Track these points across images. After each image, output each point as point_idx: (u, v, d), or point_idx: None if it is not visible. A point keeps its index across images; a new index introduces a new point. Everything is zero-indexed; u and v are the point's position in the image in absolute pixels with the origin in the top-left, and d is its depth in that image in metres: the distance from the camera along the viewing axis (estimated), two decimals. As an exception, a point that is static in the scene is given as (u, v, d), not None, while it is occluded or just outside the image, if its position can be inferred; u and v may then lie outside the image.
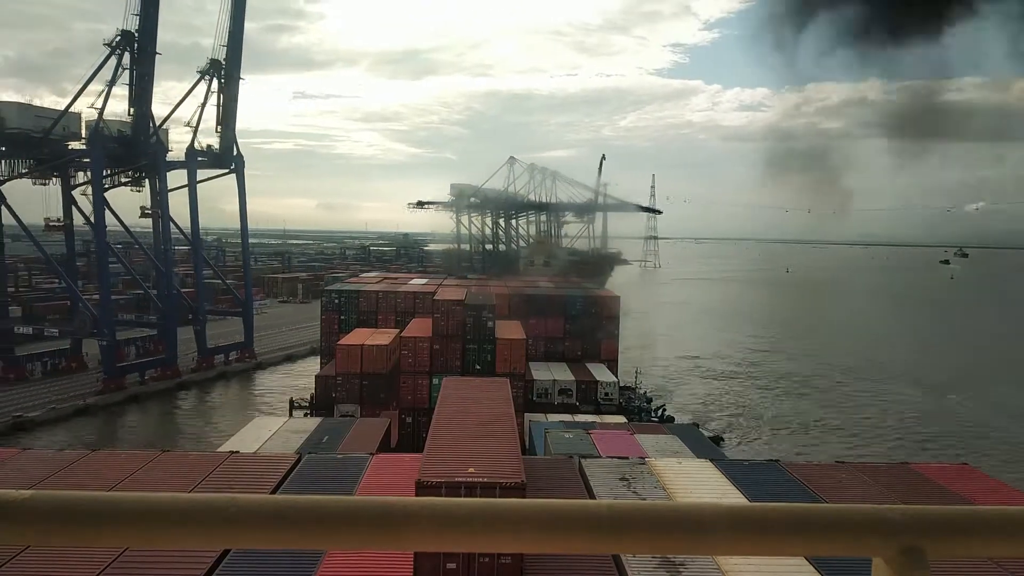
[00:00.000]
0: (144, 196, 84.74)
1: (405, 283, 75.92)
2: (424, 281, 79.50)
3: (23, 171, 74.58)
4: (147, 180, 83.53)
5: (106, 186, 78.11)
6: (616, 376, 58.94)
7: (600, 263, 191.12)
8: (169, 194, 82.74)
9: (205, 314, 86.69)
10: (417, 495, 14.69)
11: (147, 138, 76.47)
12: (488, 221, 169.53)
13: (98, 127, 72.78)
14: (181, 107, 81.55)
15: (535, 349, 60.01)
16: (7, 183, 74.13)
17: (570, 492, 23.09)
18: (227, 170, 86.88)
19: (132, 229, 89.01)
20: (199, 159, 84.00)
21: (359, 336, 54.28)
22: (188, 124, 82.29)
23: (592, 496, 22.83)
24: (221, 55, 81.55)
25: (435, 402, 28.46)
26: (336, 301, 64.69)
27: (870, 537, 1.73)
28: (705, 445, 36.18)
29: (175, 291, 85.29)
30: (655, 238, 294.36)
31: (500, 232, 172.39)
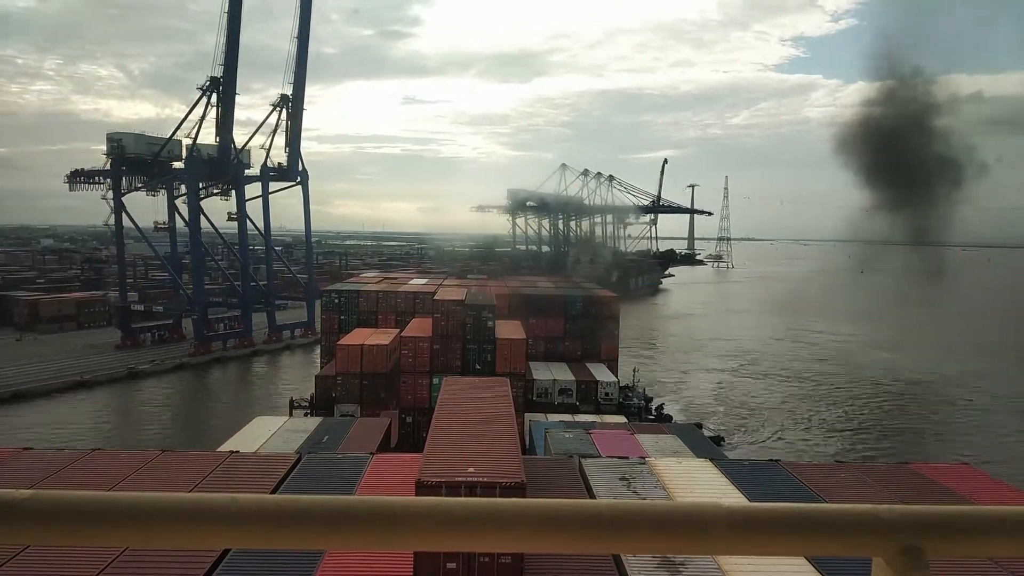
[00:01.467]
0: (231, 204, 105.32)
1: (405, 283, 75.95)
2: (424, 281, 79.54)
3: (138, 186, 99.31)
4: (233, 191, 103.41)
5: (201, 196, 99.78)
6: (616, 376, 58.95)
7: (650, 262, 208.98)
8: (256, 200, 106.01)
9: (274, 298, 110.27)
10: (417, 495, 14.69)
11: (229, 159, 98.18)
12: (545, 223, 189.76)
13: (192, 152, 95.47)
14: (263, 125, 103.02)
15: (535, 349, 59.97)
16: (127, 195, 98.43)
17: (570, 492, 23.10)
18: (294, 182, 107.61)
19: (222, 231, 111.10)
20: (271, 175, 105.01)
21: (359, 336, 54.27)
22: (263, 147, 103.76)
23: (592, 496, 22.83)
24: (291, 90, 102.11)
25: (435, 402, 28.46)
26: (336, 301, 64.65)
27: (870, 537, 1.73)
28: (705, 445, 36.19)
29: (252, 281, 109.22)
30: (727, 239, 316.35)
31: (549, 233, 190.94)
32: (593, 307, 65.74)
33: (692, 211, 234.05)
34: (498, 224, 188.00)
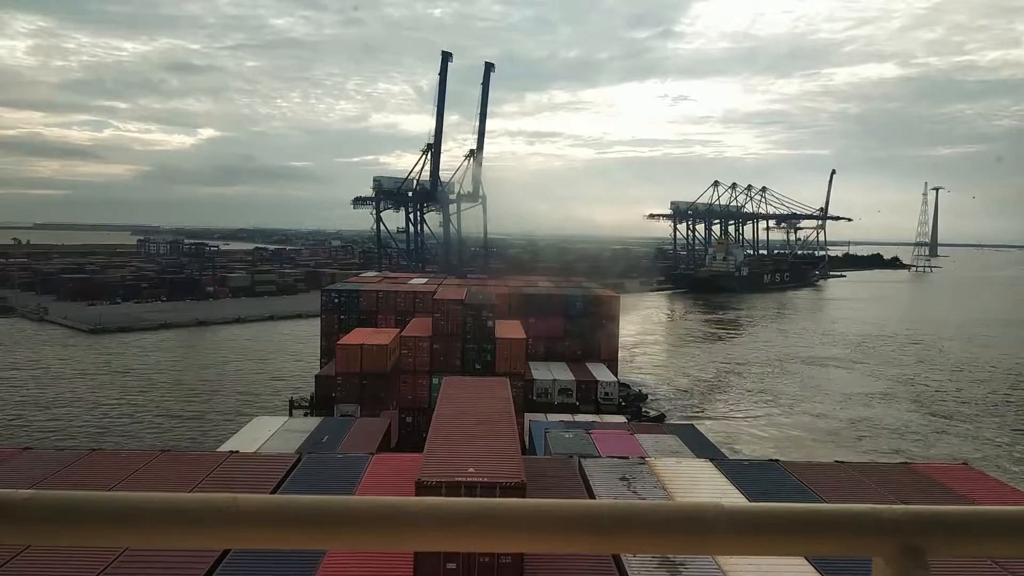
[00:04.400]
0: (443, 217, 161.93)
1: (405, 283, 75.94)
2: (424, 280, 79.54)
3: (388, 207, 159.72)
4: (441, 210, 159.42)
5: (425, 212, 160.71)
6: (616, 376, 58.96)
7: (803, 265, 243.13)
8: (461, 214, 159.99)
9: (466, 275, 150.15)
10: (417, 495, 14.70)
11: (435, 189, 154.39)
12: (700, 228, 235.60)
13: (415, 186, 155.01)
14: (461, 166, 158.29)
15: (535, 349, 59.97)
16: (383, 211, 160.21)
17: (570, 492, 23.10)
18: (476, 204, 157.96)
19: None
20: (463, 199, 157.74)
21: (359, 336, 54.20)
22: (455, 180, 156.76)
23: (592, 496, 22.83)
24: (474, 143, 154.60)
25: (435, 402, 28.46)
26: (336, 301, 64.54)
27: (870, 537, 1.73)
28: (705, 445, 36.19)
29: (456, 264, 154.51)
30: (924, 244, 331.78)
31: (703, 237, 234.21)
32: (593, 306, 65.68)
33: (834, 218, 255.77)
34: (661, 228, 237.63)
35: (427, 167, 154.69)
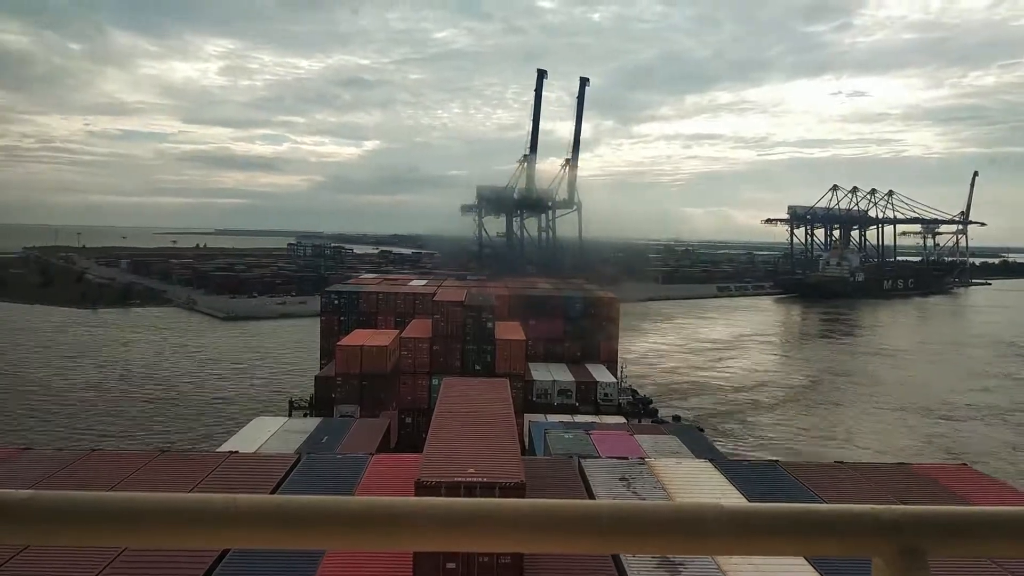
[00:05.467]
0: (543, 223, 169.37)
1: (405, 284, 75.91)
2: (424, 282, 79.52)
3: (490, 213, 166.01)
4: (543, 215, 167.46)
5: (525, 217, 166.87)
6: (616, 377, 58.98)
7: (933, 271, 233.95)
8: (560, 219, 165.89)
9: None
10: (417, 495, 14.69)
11: (532, 198, 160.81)
12: (819, 233, 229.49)
13: (512, 195, 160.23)
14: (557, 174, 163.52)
15: (535, 350, 59.95)
16: (484, 218, 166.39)
17: (570, 492, 23.09)
18: (571, 210, 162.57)
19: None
20: (559, 206, 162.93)
21: (359, 337, 54.21)
22: (553, 188, 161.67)
23: (592, 496, 22.82)
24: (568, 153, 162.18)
25: (435, 402, 28.46)
26: (336, 302, 64.54)
27: (870, 537, 1.73)
28: (704, 445, 36.20)
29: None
30: None
31: (823, 241, 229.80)
32: (593, 308, 65.68)
33: (966, 222, 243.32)
34: (777, 233, 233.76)
35: (524, 176, 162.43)
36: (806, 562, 17.98)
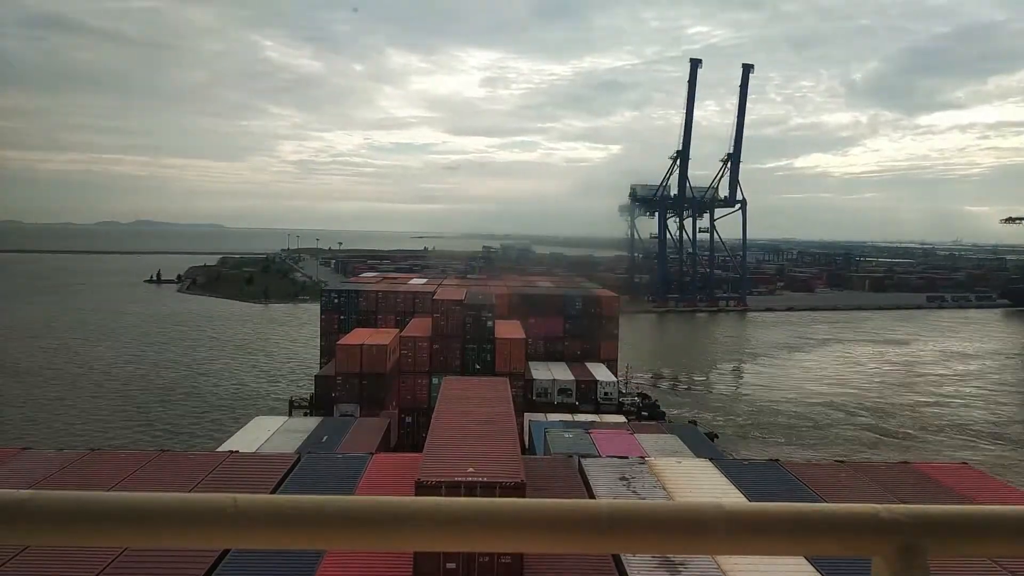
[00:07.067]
0: (704, 222, 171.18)
1: (404, 283, 75.86)
2: (424, 281, 79.49)
3: (643, 213, 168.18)
4: (703, 214, 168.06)
5: (685, 217, 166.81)
6: (616, 376, 58.92)
7: None
8: (722, 219, 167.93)
9: (712, 288, 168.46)
10: (417, 495, 14.70)
11: (684, 195, 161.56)
12: None
13: (662, 193, 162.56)
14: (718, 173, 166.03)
15: (535, 349, 59.89)
16: (637, 218, 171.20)
17: (570, 492, 23.09)
18: (734, 209, 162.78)
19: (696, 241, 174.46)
20: (719, 204, 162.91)
21: (359, 336, 54.17)
22: (713, 187, 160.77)
23: (592, 496, 22.83)
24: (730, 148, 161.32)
25: (435, 402, 28.47)
26: (336, 301, 64.52)
27: (870, 537, 1.73)
28: (704, 445, 36.20)
29: (704, 271, 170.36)
30: None
31: None
32: (593, 307, 65.59)
33: None
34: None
35: (676, 174, 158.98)
36: (806, 562, 17.98)
